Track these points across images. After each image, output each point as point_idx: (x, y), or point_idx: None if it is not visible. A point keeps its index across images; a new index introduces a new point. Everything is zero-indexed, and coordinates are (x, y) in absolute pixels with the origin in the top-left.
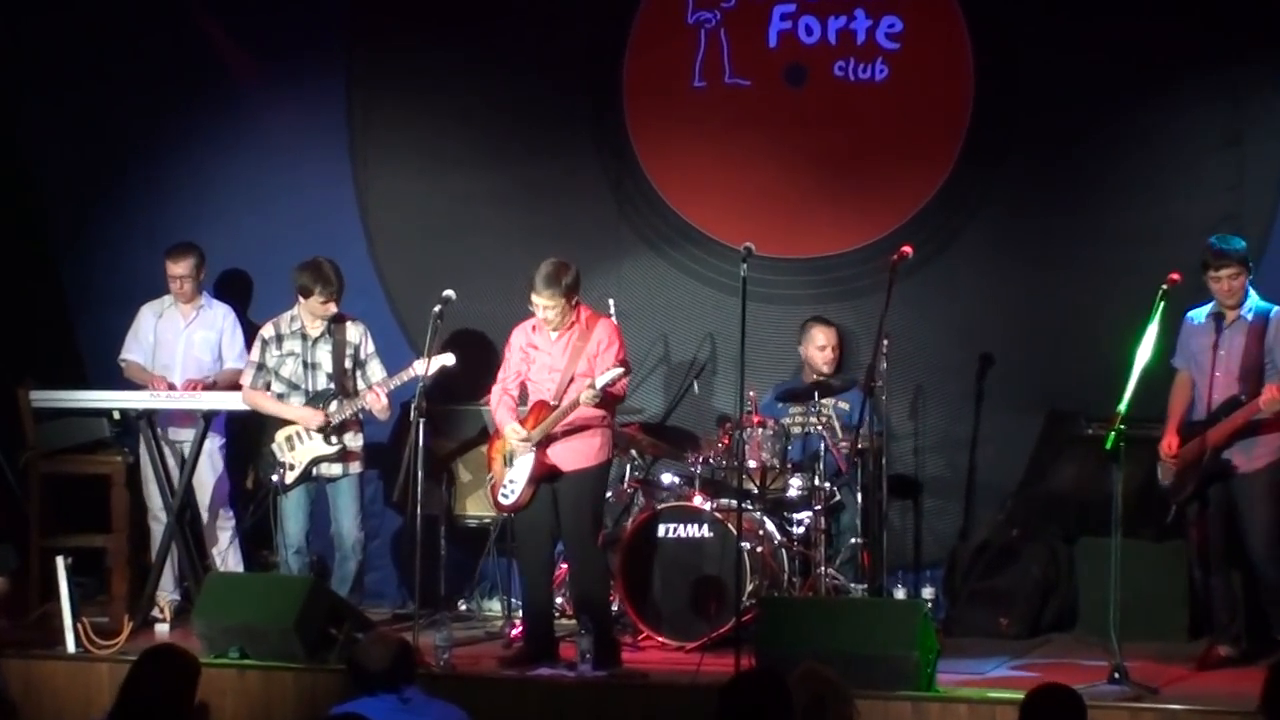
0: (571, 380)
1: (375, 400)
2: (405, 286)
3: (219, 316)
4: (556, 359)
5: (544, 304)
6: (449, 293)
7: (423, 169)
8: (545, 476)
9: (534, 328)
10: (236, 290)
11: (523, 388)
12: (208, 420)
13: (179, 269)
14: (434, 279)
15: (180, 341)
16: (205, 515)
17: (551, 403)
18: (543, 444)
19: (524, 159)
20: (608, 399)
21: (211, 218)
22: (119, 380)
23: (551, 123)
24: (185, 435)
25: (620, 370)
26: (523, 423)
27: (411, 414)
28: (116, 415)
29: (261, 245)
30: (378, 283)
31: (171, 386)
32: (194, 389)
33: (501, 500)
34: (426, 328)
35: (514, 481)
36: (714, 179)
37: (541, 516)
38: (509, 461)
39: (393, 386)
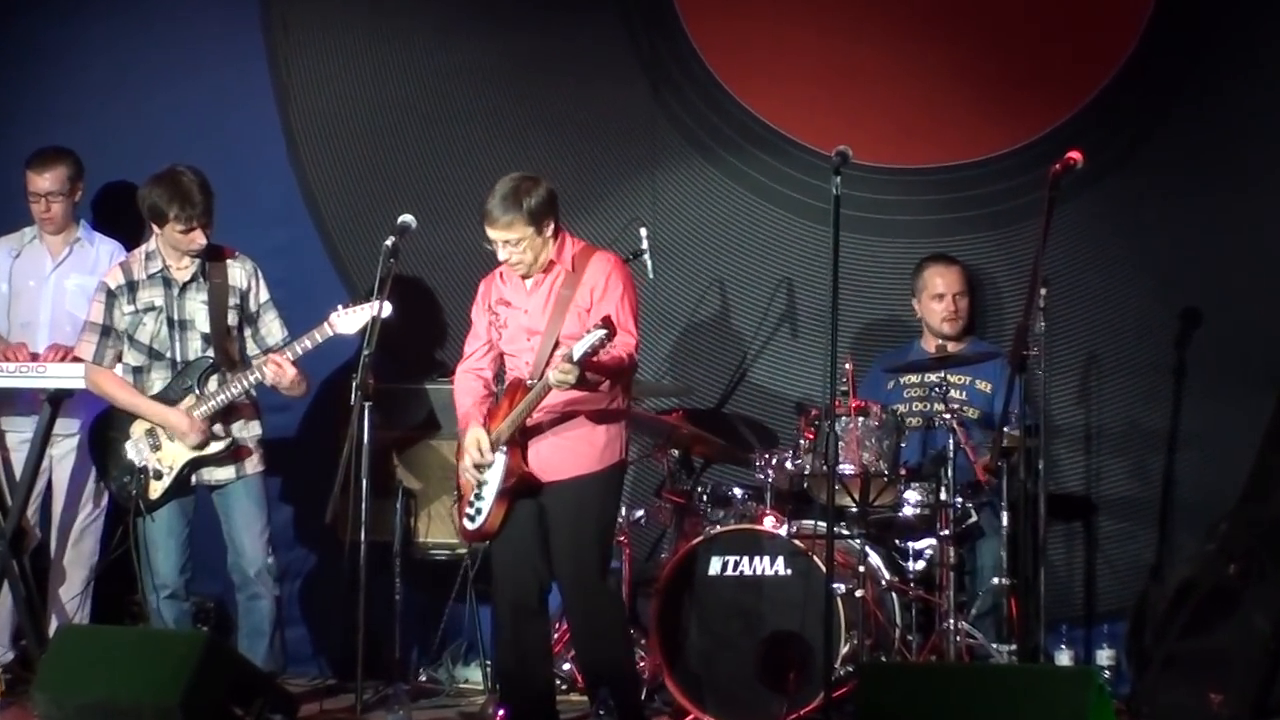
0: (556, 345)
1: (279, 371)
2: (343, 208)
3: (103, 256)
4: (535, 317)
5: (502, 237)
6: (407, 218)
7: (369, 39)
8: (522, 489)
9: (503, 275)
10: (118, 216)
11: (502, 363)
12: (55, 404)
13: (45, 182)
14: (385, 198)
15: (46, 290)
16: (55, 543)
17: (528, 381)
18: (518, 439)
19: (516, 25)
20: (596, 374)
21: (73, 113)
22: None
23: None
24: (29, 427)
25: (602, 333)
26: (490, 418)
27: (352, 397)
28: None
29: (139, 150)
30: (302, 203)
31: (34, 356)
32: (60, 358)
33: (466, 524)
34: (373, 268)
35: (481, 497)
36: (792, 55)
37: (522, 546)
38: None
39: (300, 352)
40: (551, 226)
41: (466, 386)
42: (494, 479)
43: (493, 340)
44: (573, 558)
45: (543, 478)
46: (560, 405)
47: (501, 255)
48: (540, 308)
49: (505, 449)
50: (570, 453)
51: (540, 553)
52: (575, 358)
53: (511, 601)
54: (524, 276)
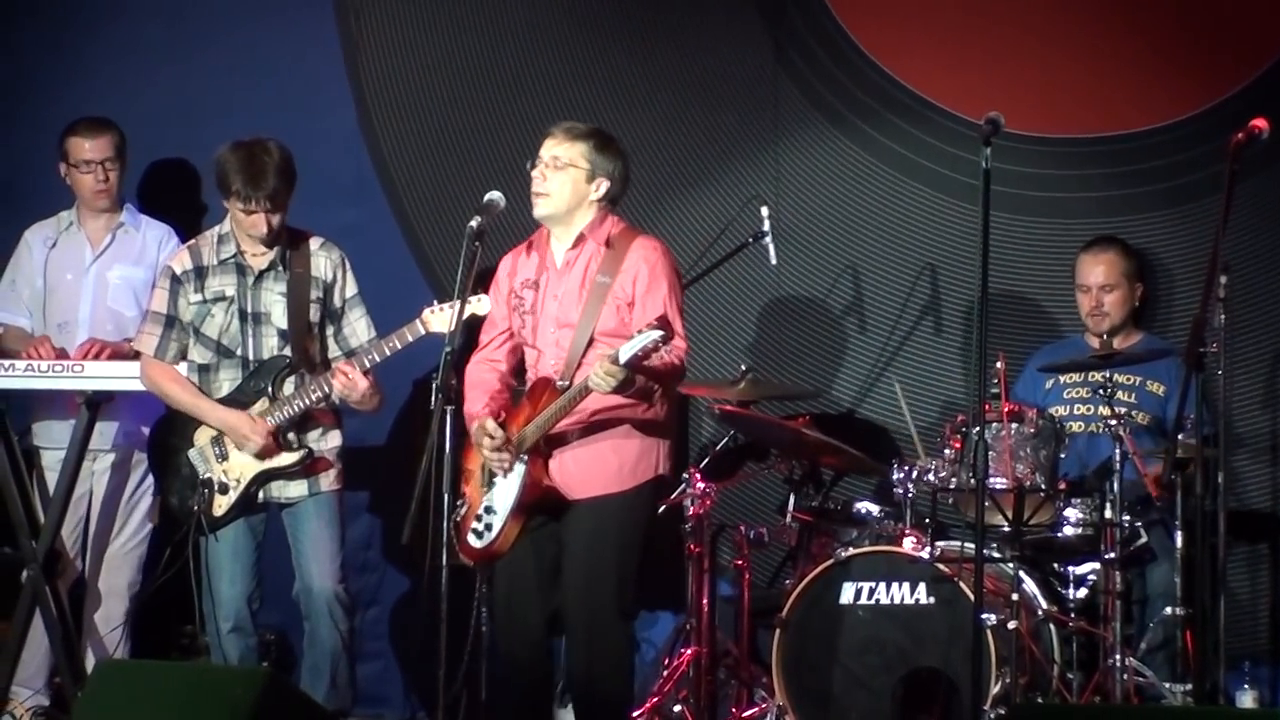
0: (591, 343)
1: (347, 383)
2: (420, 183)
3: (150, 243)
4: (566, 306)
5: (550, 151)
6: (494, 195)
7: None
8: (543, 505)
9: (530, 246)
10: (164, 201)
11: (522, 357)
12: (93, 409)
13: (93, 149)
14: (467, 172)
15: (86, 284)
16: (89, 565)
17: (558, 382)
18: (539, 450)
19: None
20: (645, 380)
21: (110, 80)
22: None
23: None
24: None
25: (657, 334)
26: (510, 417)
27: (433, 400)
28: None
29: (185, 119)
30: (374, 176)
31: (63, 354)
32: (94, 354)
33: (471, 541)
34: (456, 255)
35: (492, 512)
36: (936, 7)
37: (529, 571)
38: (488, 480)
39: (388, 352)
40: (603, 189)
41: (479, 379)
42: (510, 491)
43: (513, 328)
44: (585, 587)
45: (566, 494)
46: (589, 412)
47: (538, 183)
48: (574, 295)
49: (526, 458)
50: (597, 467)
51: (550, 582)
52: (623, 360)
53: (516, 634)
54: (556, 224)
